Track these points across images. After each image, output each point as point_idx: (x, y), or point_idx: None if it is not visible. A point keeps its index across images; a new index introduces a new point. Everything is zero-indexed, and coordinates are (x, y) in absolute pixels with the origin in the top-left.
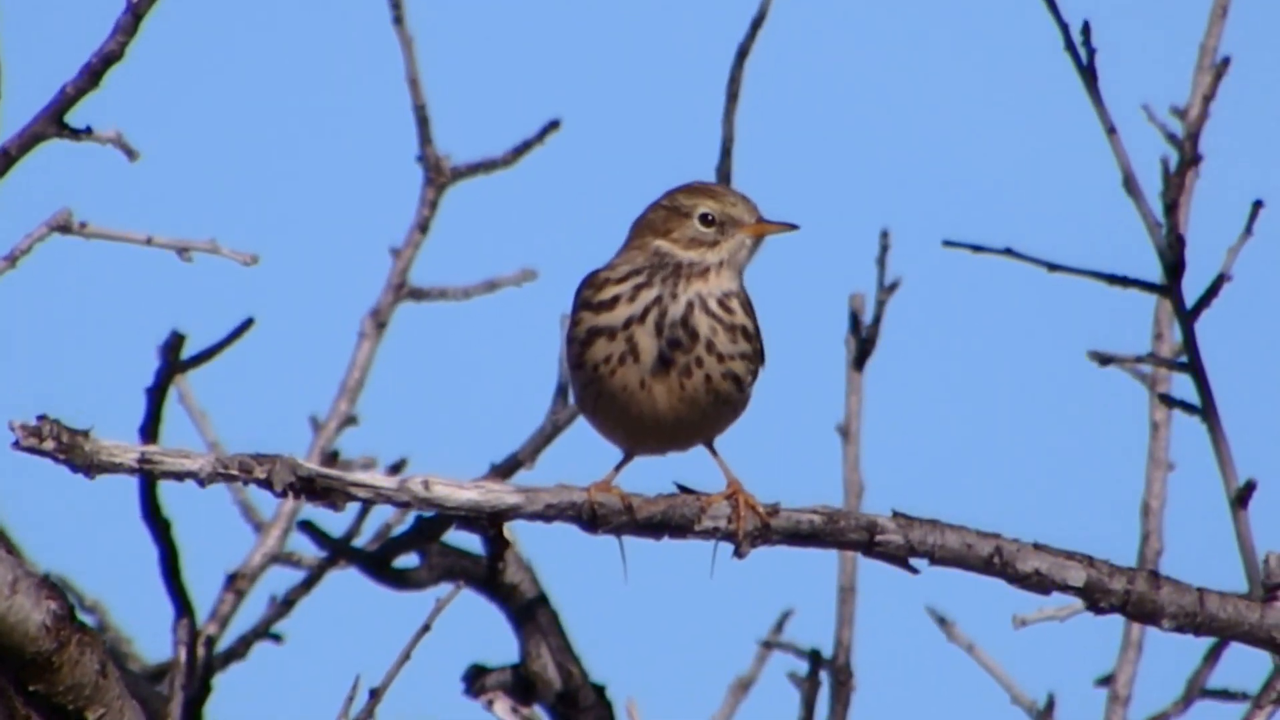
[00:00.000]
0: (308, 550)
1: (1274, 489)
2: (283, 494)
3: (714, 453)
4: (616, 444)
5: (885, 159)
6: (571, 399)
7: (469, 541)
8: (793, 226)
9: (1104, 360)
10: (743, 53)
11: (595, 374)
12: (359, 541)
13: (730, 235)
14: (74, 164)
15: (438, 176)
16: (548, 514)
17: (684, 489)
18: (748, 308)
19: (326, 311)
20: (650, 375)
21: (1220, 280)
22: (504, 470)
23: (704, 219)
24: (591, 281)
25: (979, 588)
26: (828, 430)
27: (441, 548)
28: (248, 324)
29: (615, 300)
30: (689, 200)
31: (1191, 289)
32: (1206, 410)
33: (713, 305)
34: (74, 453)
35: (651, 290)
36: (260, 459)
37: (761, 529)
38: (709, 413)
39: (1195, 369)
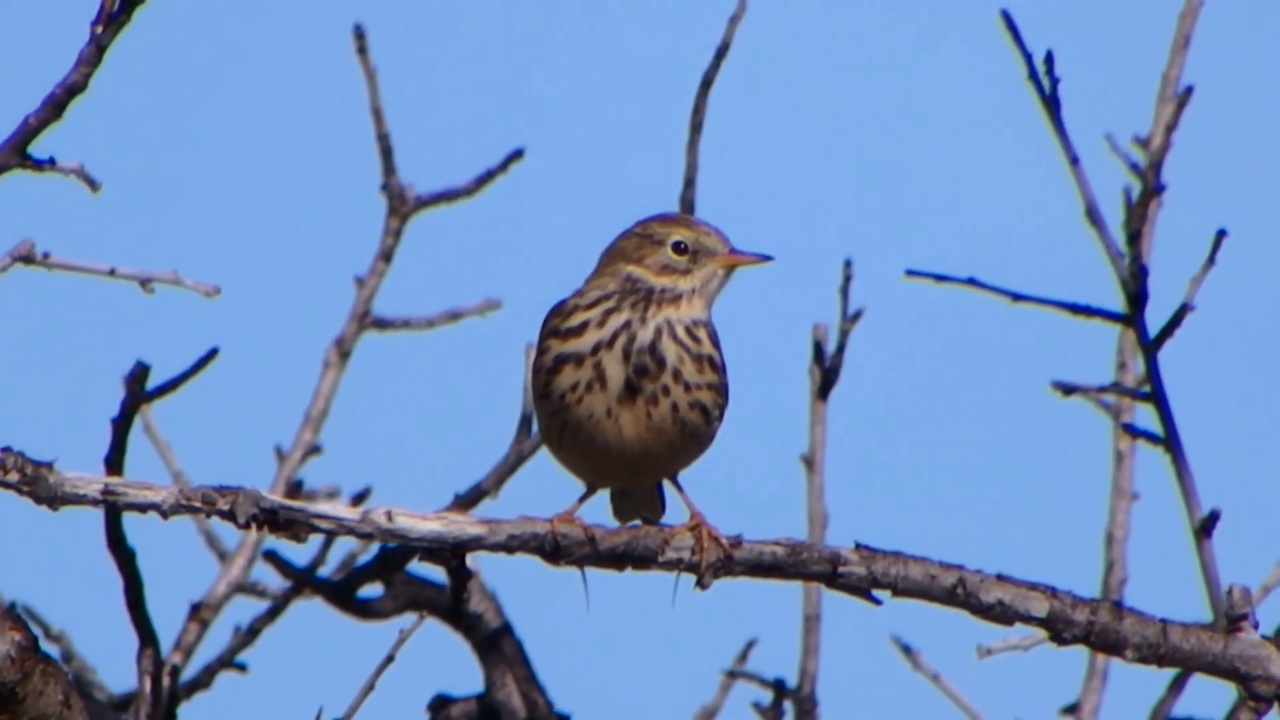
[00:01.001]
0: (272, 580)
1: (1237, 519)
2: (246, 526)
3: (678, 487)
4: (581, 478)
5: (848, 189)
6: (535, 430)
7: (433, 572)
8: (766, 259)
9: (1067, 391)
10: (706, 83)
11: (562, 402)
12: (323, 572)
13: (703, 264)
14: (37, 195)
15: (401, 206)
16: (510, 545)
17: (647, 520)
18: (714, 340)
19: (290, 341)
20: (617, 403)
21: (1183, 310)
22: (468, 500)
23: (677, 247)
24: (559, 310)
25: (943, 617)
26: (792, 460)
27: (405, 578)
28: (212, 354)
29: (584, 326)
30: (662, 229)
31: (1154, 319)
32: (1169, 441)
33: (680, 333)
34: (38, 485)
35: (620, 315)
36: (223, 491)
37: (724, 561)
38: (675, 445)
39: (1158, 399)
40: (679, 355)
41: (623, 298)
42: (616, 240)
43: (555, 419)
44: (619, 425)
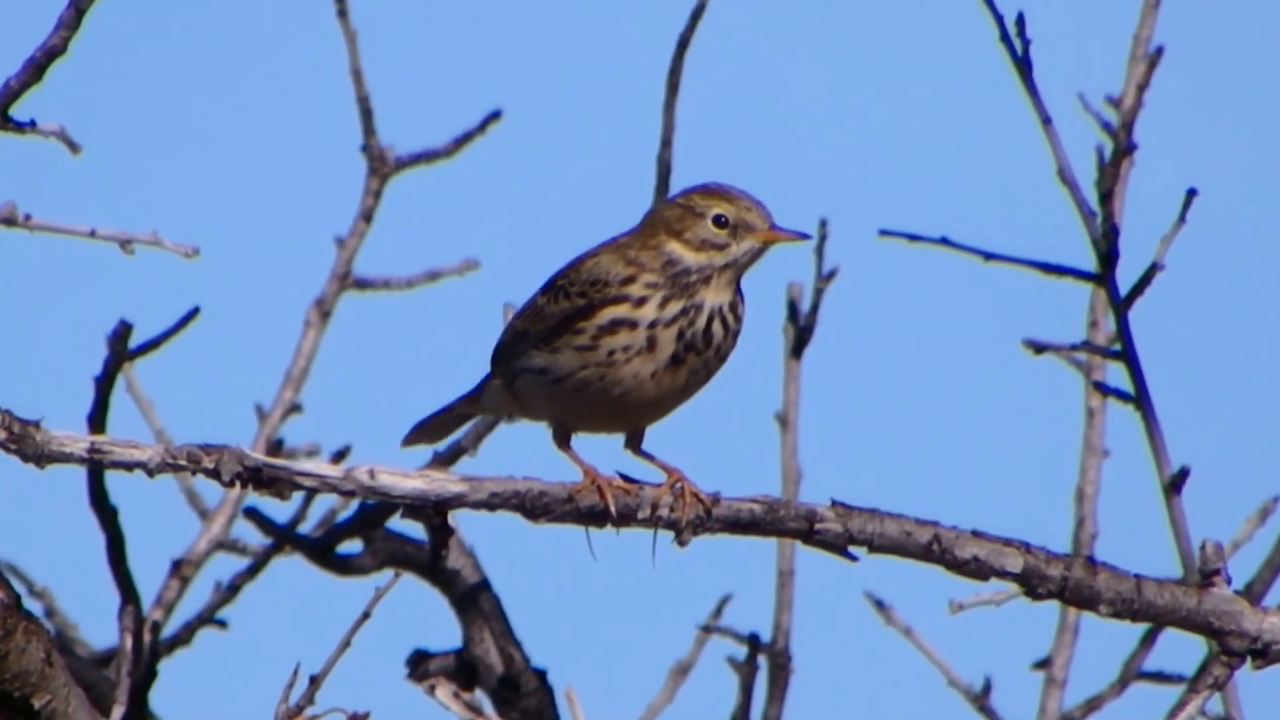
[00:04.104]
0: (252, 538)
1: (1207, 476)
2: (230, 484)
3: (648, 456)
4: (559, 422)
5: (822, 149)
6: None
7: (412, 528)
8: (804, 236)
9: (1039, 349)
10: (683, 43)
11: (609, 359)
12: (303, 529)
13: (741, 239)
14: (18, 157)
15: (381, 167)
16: (492, 503)
17: (626, 478)
18: (742, 311)
19: (271, 301)
20: (662, 370)
21: (1153, 269)
22: (447, 459)
23: (717, 220)
24: (604, 281)
25: (916, 573)
26: (766, 419)
27: (384, 535)
28: (194, 314)
29: (643, 301)
30: (704, 201)
31: (1125, 278)
32: (1140, 398)
33: (728, 317)
34: (24, 443)
35: (678, 302)
36: (208, 449)
37: (704, 517)
38: (688, 393)
39: (1129, 358)
40: (723, 335)
41: (672, 282)
42: (660, 207)
43: (587, 369)
44: (655, 385)
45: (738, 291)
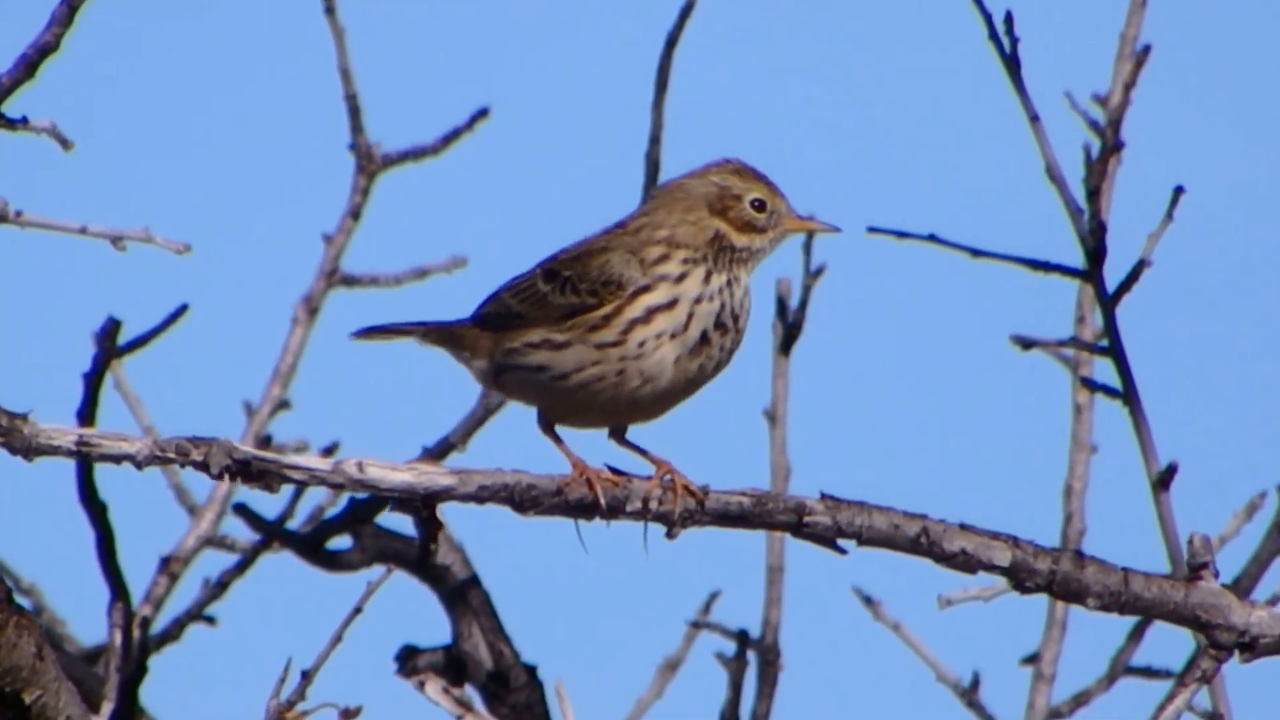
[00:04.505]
0: (241, 533)
1: (1195, 472)
2: (219, 477)
3: (636, 448)
4: (552, 416)
5: (810, 146)
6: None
7: (401, 524)
8: (835, 229)
9: (1027, 345)
10: (671, 41)
11: (639, 350)
12: (292, 525)
13: (776, 224)
14: (9, 154)
15: (369, 164)
16: (481, 496)
17: (615, 470)
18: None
19: (260, 298)
20: (687, 353)
21: (1141, 266)
22: (436, 453)
23: (755, 205)
24: (618, 280)
25: (905, 568)
26: (754, 414)
27: (374, 530)
28: (182, 310)
29: (683, 276)
30: (742, 184)
31: (1113, 275)
32: (1128, 394)
33: (749, 294)
34: (13, 436)
35: (721, 275)
36: (197, 442)
37: (695, 510)
38: (696, 386)
39: (1117, 353)
40: (746, 316)
41: (715, 258)
42: (686, 182)
43: (602, 365)
44: (675, 371)
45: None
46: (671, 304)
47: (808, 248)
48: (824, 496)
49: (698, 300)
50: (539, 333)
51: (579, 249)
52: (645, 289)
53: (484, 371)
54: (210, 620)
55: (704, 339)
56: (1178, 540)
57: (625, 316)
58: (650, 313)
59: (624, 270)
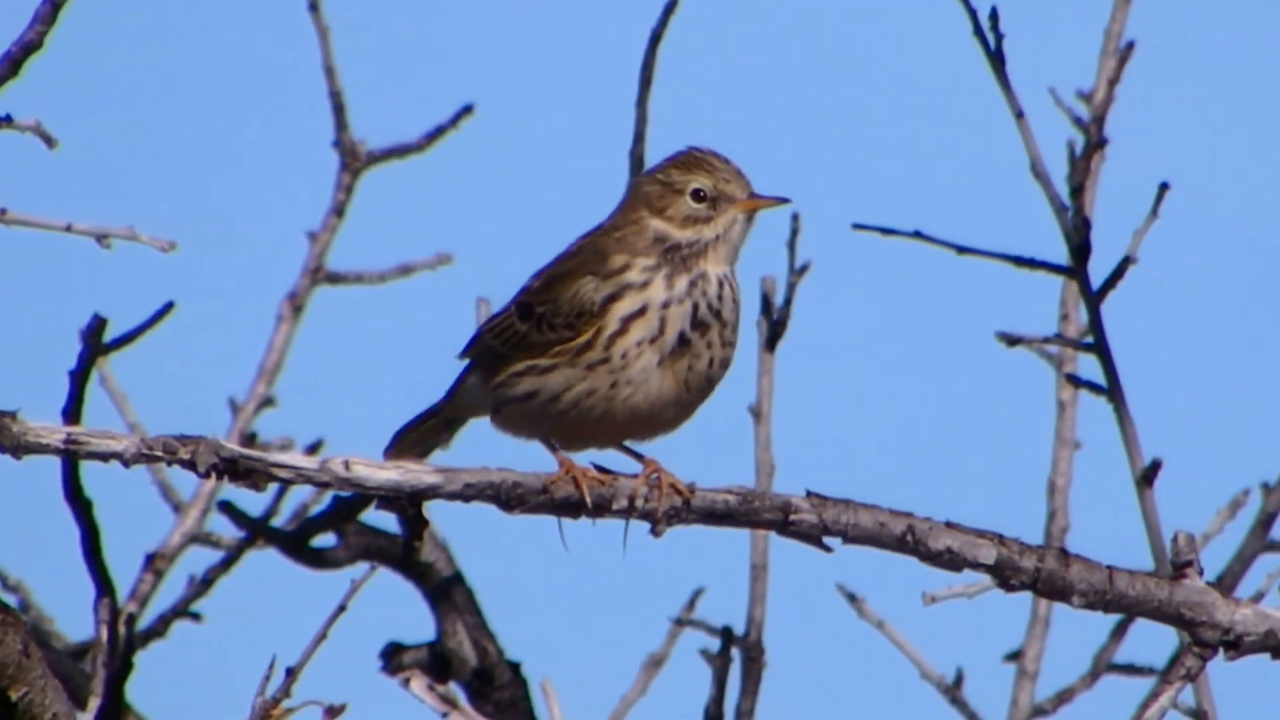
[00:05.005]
0: (226, 530)
1: (1179, 469)
2: (206, 475)
3: (624, 447)
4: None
5: (795, 143)
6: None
7: (386, 521)
8: (784, 201)
9: (1012, 341)
10: (656, 37)
11: (622, 361)
12: (277, 522)
13: (723, 210)
14: None
15: (353, 161)
16: (466, 494)
17: (601, 469)
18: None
19: (245, 295)
20: (668, 356)
21: (1125, 262)
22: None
23: (696, 195)
24: (588, 310)
25: (889, 566)
26: (740, 411)
27: (358, 527)
28: (168, 308)
29: (646, 284)
30: (682, 176)
31: (1098, 271)
32: (1112, 390)
33: (726, 286)
34: (2, 434)
35: (684, 276)
36: (184, 440)
37: (681, 507)
38: (696, 402)
39: (1101, 350)
40: (729, 308)
41: (667, 259)
42: (641, 181)
43: (590, 381)
44: (663, 383)
45: (732, 274)
46: (643, 310)
47: (792, 245)
48: (809, 494)
49: (665, 305)
50: (523, 361)
51: (548, 274)
52: (613, 297)
53: (488, 411)
54: (196, 617)
55: (682, 341)
56: (1162, 537)
57: (605, 333)
58: (625, 321)
59: (592, 296)
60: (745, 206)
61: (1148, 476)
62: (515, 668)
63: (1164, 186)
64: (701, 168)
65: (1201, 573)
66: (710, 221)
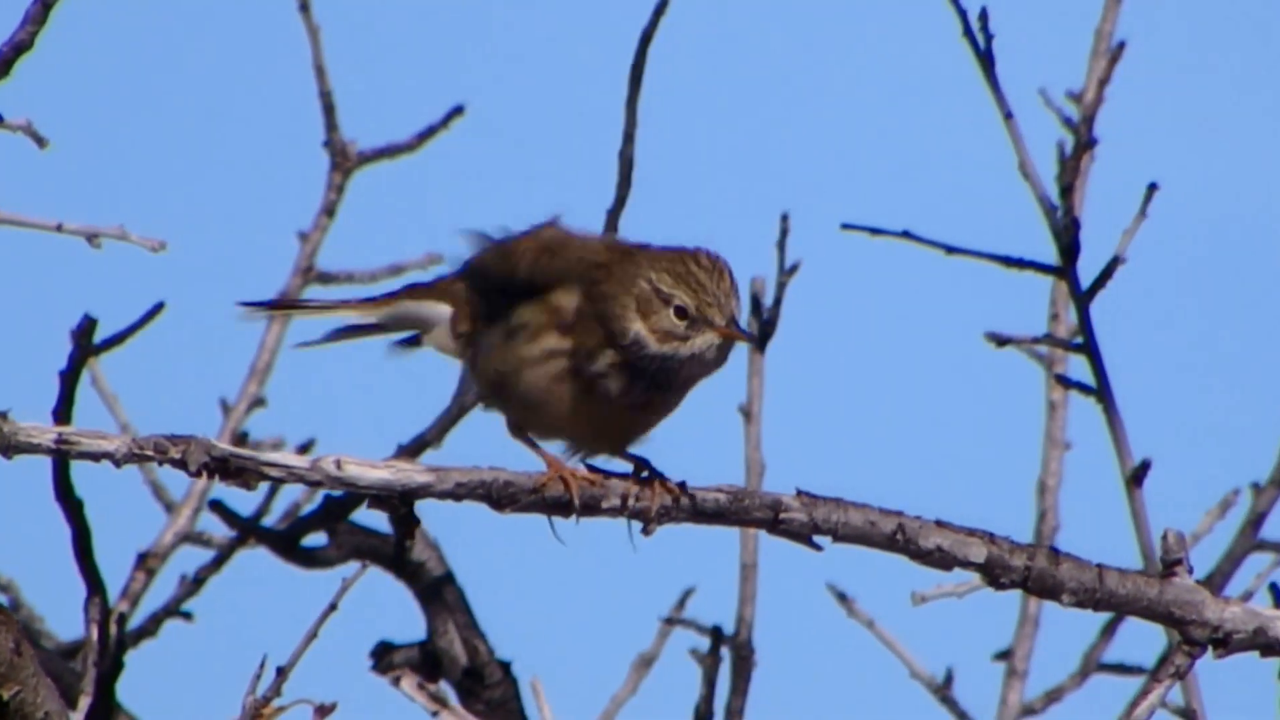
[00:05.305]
0: (217, 530)
1: (1169, 468)
2: (197, 474)
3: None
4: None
5: (785, 143)
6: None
7: (376, 520)
8: (751, 339)
9: (1001, 341)
10: (645, 39)
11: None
12: (268, 521)
13: (700, 332)
14: None
15: (344, 162)
16: (458, 493)
17: (593, 469)
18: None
19: (235, 295)
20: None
21: (1115, 262)
22: (411, 451)
23: (679, 312)
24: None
25: (878, 565)
26: (730, 411)
27: (349, 527)
28: (159, 308)
29: (604, 374)
30: (669, 288)
31: (1087, 271)
32: (1102, 391)
33: (687, 387)
34: None
35: (640, 383)
36: (175, 440)
37: (673, 506)
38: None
39: (1091, 350)
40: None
41: (628, 361)
42: (640, 273)
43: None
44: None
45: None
46: (576, 371)
47: (782, 245)
48: (800, 493)
49: (614, 395)
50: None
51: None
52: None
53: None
54: (187, 616)
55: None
56: (1151, 537)
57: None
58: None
59: (566, 306)
60: (720, 334)
61: (1137, 476)
62: (505, 667)
63: (1153, 187)
64: (690, 284)
65: (1191, 571)
66: (687, 341)
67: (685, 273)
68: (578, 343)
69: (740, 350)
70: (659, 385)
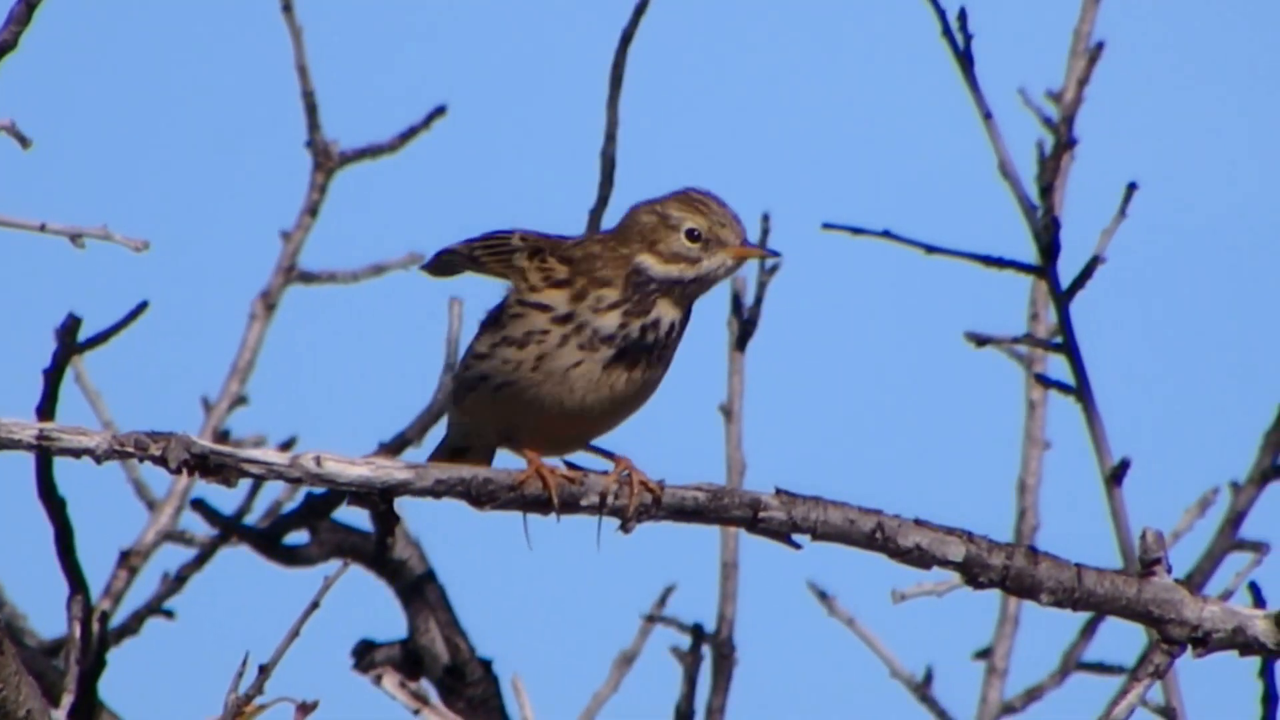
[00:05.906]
0: (199, 528)
1: (1147, 467)
2: (177, 471)
3: (592, 448)
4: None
5: (766, 143)
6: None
7: (358, 518)
8: (774, 254)
9: (981, 341)
10: (626, 38)
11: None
12: (249, 519)
13: (713, 253)
14: None
15: (326, 162)
16: (437, 490)
17: (573, 467)
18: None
19: (218, 294)
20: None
21: (1094, 262)
22: (392, 448)
23: (690, 234)
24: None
25: (859, 563)
26: (710, 411)
27: (330, 525)
28: (142, 307)
29: (612, 307)
30: (679, 213)
31: (1066, 271)
32: (1081, 390)
33: (675, 330)
34: None
35: (638, 321)
36: (155, 436)
37: (651, 505)
38: (638, 401)
39: (1070, 350)
40: (672, 343)
41: (630, 295)
42: (639, 209)
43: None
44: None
45: (688, 310)
46: (580, 327)
47: (762, 244)
48: (779, 492)
49: (608, 338)
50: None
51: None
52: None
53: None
54: (169, 614)
55: (620, 356)
56: (1130, 536)
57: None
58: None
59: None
60: (735, 253)
61: (1116, 475)
62: (486, 665)
63: (1132, 186)
64: (699, 208)
65: (1170, 570)
66: (696, 263)
67: (691, 201)
68: (573, 295)
69: (720, 349)
70: (654, 326)
